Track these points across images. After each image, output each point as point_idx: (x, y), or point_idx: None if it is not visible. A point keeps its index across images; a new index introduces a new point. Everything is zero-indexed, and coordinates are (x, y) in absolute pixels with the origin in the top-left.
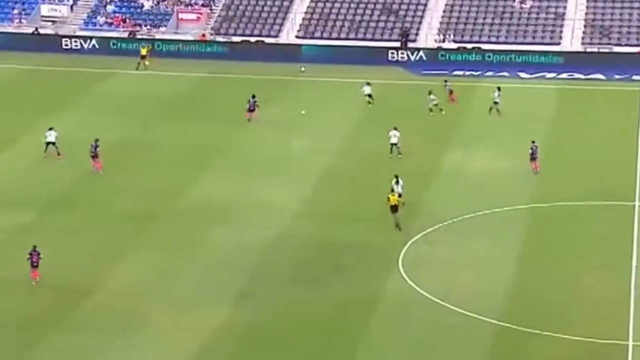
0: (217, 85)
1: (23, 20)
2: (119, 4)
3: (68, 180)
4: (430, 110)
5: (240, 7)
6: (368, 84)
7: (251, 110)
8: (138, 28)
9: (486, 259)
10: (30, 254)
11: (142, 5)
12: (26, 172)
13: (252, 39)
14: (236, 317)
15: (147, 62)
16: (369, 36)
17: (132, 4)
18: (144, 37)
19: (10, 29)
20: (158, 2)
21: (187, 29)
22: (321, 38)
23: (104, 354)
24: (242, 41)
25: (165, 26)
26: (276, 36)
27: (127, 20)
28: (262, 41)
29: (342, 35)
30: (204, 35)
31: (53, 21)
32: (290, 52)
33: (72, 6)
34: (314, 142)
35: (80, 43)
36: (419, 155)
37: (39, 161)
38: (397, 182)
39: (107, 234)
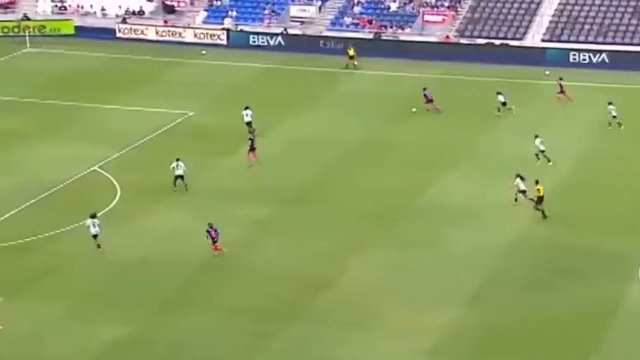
0: (459, 86)
1: (273, 20)
2: (365, 5)
3: (308, 176)
4: (609, 124)
5: (487, 10)
6: (499, 93)
7: (431, 101)
8: (383, 29)
9: None
10: (208, 231)
11: (389, 7)
12: (266, 167)
13: (497, 42)
14: (469, 318)
15: (355, 62)
16: (618, 40)
17: (379, 5)
18: (389, 38)
19: (259, 29)
20: (404, 4)
21: (432, 30)
22: (567, 41)
23: (340, 347)
24: (487, 43)
25: (411, 27)
26: (521, 39)
27: (373, 22)
28: (507, 44)
29: (590, 39)
30: (448, 37)
31: (301, 22)
32: (534, 55)
33: (320, 7)
34: (556, 145)
35: (327, 43)
36: None
37: (278, 157)
38: (523, 180)
39: (344, 230)
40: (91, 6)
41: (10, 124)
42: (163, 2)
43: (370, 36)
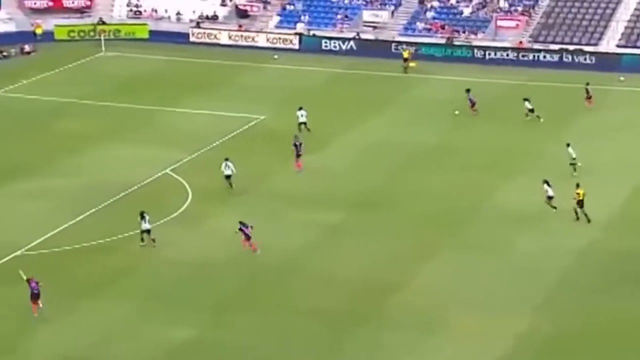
0: (530, 92)
1: (345, 25)
2: (438, 10)
3: (377, 180)
4: None
5: (561, 15)
6: (527, 99)
7: (473, 104)
8: (456, 34)
9: None
10: (241, 228)
11: (462, 12)
12: (335, 171)
13: (571, 47)
14: (538, 324)
15: (411, 64)
16: None
17: (452, 10)
18: (461, 43)
19: (332, 34)
20: (477, 9)
21: (505, 35)
22: None
23: (409, 352)
24: (560, 49)
25: (484, 32)
26: (596, 44)
27: (446, 27)
28: (581, 49)
29: None
30: (521, 42)
31: (374, 27)
32: (609, 61)
33: (392, 12)
34: (627, 153)
35: (400, 48)
36: None
37: (348, 160)
38: (550, 185)
39: (412, 233)
40: (166, 11)
41: (85, 127)
42: (236, 7)
43: (443, 41)
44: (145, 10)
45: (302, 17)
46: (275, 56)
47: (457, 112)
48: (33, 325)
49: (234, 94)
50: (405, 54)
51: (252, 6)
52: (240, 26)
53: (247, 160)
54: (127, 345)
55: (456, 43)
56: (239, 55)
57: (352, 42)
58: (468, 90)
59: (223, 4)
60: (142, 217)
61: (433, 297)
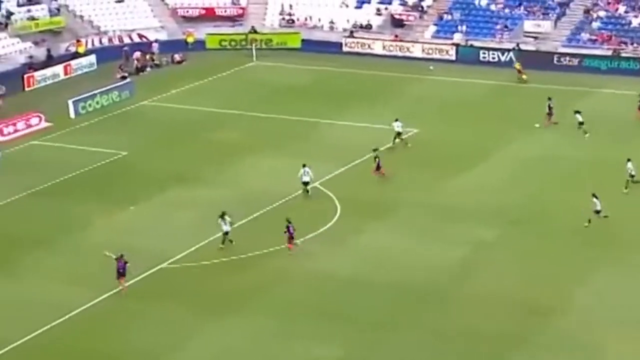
0: None
1: (505, 36)
2: (605, 20)
3: (534, 196)
4: None
5: None
6: (577, 112)
7: (550, 114)
8: (623, 46)
9: None
10: (287, 227)
11: (630, 22)
12: (497, 186)
13: None
14: None
15: (524, 76)
16: None
17: (620, 20)
18: (629, 55)
19: (490, 44)
20: None
21: None
22: None
23: None
24: None
25: None
26: None
27: (613, 38)
28: None
29: None
30: None
31: (535, 37)
32: None
33: (555, 22)
34: None
35: (563, 59)
36: None
37: (511, 176)
38: (597, 198)
39: (569, 252)
40: (319, 20)
41: (234, 137)
42: (392, 16)
43: (609, 53)
44: (297, 19)
45: (460, 27)
46: (431, 67)
47: (537, 125)
48: (179, 339)
49: (387, 105)
50: (517, 66)
51: (407, 15)
52: (395, 36)
53: (399, 174)
54: None
55: (623, 55)
56: (393, 66)
57: (511, 53)
58: (549, 98)
59: (378, 13)
60: (222, 218)
61: (591, 320)
